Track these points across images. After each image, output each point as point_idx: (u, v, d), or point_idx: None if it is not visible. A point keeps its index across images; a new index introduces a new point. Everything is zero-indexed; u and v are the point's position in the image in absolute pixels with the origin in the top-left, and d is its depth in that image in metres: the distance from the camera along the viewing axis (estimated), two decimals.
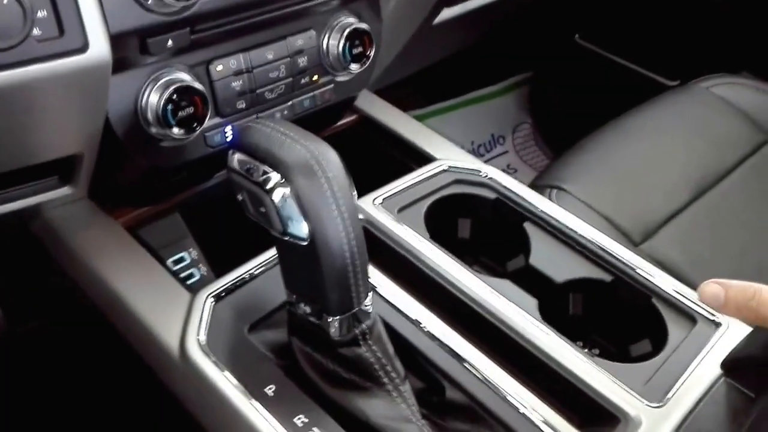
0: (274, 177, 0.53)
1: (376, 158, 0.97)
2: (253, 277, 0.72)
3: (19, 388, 1.04)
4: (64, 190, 0.74)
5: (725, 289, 0.53)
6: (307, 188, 0.53)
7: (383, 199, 0.82)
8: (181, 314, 0.68)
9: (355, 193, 0.57)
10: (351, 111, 0.99)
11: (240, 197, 0.56)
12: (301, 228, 0.54)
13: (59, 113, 0.62)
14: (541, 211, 0.82)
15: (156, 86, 0.66)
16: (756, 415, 0.53)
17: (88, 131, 0.66)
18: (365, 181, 0.82)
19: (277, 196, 0.53)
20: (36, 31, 0.55)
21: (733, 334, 0.68)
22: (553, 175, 1.04)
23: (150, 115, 0.67)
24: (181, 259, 0.84)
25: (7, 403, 1.01)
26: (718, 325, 0.70)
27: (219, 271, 0.74)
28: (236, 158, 0.55)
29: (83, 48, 0.58)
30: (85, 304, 0.78)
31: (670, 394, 0.63)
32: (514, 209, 0.83)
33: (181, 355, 0.65)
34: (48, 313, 1.02)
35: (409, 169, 0.88)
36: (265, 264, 0.73)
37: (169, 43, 0.64)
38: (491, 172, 0.87)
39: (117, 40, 0.60)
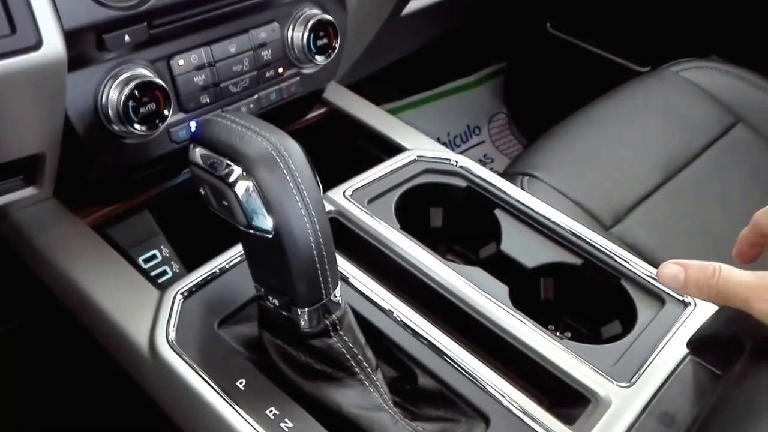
0: (236, 170, 0.52)
1: (346, 150, 0.97)
2: (222, 272, 0.71)
3: None
4: (29, 191, 0.74)
5: (685, 269, 0.52)
6: (270, 180, 0.52)
7: (353, 191, 0.82)
8: (150, 312, 0.68)
9: (320, 183, 0.56)
10: (320, 104, 0.99)
11: (202, 191, 0.56)
12: (265, 221, 0.53)
13: (16, 112, 0.61)
14: (512, 198, 0.82)
15: (116, 83, 0.65)
16: (720, 391, 0.53)
17: (48, 130, 0.65)
18: (336, 173, 0.82)
19: (239, 189, 0.52)
20: None
21: (700, 313, 0.69)
22: (525, 163, 1.04)
23: (111, 113, 0.66)
24: (153, 257, 0.83)
25: None
26: (686, 305, 0.71)
27: (192, 268, 0.73)
28: (197, 152, 0.55)
29: (36, 45, 0.57)
30: (58, 305, 0.77)
31: (638, 374, 0.63)
32: (485, 197, 0.83)
33: (151, 353, 0.65)
34: (25, 314, 1.01)
35: (379, 160, 0.87)
36: (235, 258, 0.72)
37: (127, 38, 0.63)
38: (461, 161, 0.87)
39: (72, 37, 0.59)
